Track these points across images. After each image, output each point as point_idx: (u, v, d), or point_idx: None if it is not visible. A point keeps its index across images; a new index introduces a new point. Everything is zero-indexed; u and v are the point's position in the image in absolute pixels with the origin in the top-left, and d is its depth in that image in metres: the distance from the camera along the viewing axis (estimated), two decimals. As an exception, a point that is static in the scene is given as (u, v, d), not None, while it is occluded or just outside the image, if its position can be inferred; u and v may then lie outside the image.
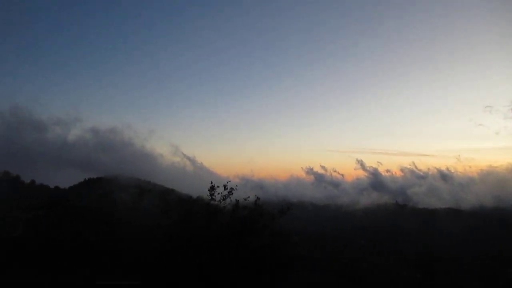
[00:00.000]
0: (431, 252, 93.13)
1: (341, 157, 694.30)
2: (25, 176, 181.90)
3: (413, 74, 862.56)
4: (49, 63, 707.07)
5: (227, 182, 19.94)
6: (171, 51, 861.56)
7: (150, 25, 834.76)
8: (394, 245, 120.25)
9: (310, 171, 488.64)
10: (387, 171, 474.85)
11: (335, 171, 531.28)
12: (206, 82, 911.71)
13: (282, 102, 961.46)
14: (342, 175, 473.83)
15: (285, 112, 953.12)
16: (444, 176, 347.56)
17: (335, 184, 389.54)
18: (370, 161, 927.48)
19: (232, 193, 19.85)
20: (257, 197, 19.86)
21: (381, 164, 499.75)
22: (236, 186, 20.11)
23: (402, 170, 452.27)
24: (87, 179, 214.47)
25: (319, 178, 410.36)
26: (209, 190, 19.75)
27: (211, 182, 19.99)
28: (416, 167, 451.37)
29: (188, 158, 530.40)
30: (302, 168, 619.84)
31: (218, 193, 19.81)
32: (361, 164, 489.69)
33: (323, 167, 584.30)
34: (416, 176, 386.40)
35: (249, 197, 20.56)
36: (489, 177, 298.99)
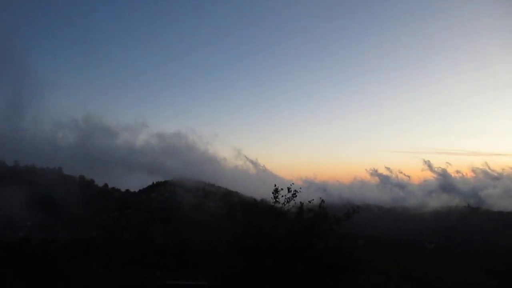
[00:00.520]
0: (508, 258, 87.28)
1: (407, 158, 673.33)
2: (99, 180, 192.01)
3: (484, 67, 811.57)
4: (117, 72, 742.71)
5: (291, 185, 19.91)
6: (233, 55, 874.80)
7: (213, 30, 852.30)
8: (466, 250, 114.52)
9: (374, 172, 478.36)
10: (457, 172, 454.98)
11: (400, 172, 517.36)
12: (267, 85, 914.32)
13: (344, 102, 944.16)
14: (408, 176, 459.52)
15: (348, 112, 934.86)
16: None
17: (401, 186, 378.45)
18: (438, 162, 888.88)
19: (296, 196, 19.76)
20: (322, 200, 19.68)
21: (450, 164, 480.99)
22: (300, 188, 20.03)
23: (473, 170, 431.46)
24: (155, 182, 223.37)
25: (384, 180, 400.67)
26: (273, 193, 19.77)
27: (275, 185, 20.03)
28: (489, 167, 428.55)
29: (251, 161, 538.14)
30: (366, 169, 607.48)
31: (282, 196, 19.81)
32: (429, 165, 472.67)
33: (388, 168, 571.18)
34: (490, 177, 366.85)
35: (313, 199, 20.42)
36: None
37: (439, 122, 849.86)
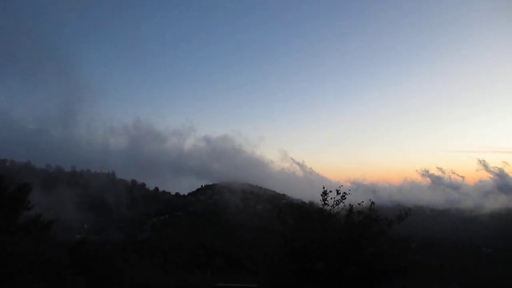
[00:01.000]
0: None
1: (459, 158, 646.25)
2: (150, 184, 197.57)
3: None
4: (164, 77, 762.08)
5: (340, 187, 19.72)
6: (277, 58, 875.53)
7: (259, 32, 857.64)
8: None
9: (425, 173, 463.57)
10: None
11: (453, 173, 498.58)
12: (313, 86, 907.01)
13: (389, 101, 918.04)
14: (462, 177, 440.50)
15: (393, 112, 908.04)
16: None
17: (455, 187, 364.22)
18: (494, 162, 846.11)
19: (345, 198, 19.55)
20: (372, 202, 19.34)
21: (507, 164, 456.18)
22: (349, 190, 19.81)
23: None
24: (203, 185, 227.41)
25: (437, 181, 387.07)
26: (321, 195, 19.67)
27: (323, 187, 19.93)
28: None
29: (298, 164, 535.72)
30: (416, 170, 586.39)
31: (331, 198, 19.66)
32: (484, 165, 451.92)
33: (440, 168, 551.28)
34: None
35: (362, 202, 20.13)
36: None
37: (492, 120, 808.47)
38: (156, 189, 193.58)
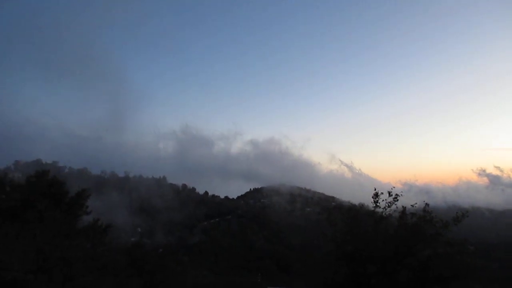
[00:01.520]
0: None
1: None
2: (200, 188, 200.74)
3: None
4: (209, 82, 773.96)
5: (392, 189, 19.29)
6: (323, 58, 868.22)
7: (306, 34, 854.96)
8: None
9: (482, 173, 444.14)
10: None
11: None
12: (359, 85, 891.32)
13: (444, 97, 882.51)
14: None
15: (446, 108, 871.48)
16: None
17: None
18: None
19: (397, 200, 19.10)
20: (426, 203, 18.75)
21: None
22: (401, 192, 19.32)
23: None
24: (252, 189, 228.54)
25: (495, 181, 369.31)
26: (373, 197, 19.30)
27: (375, 189, 19.55)
28: None
29: (346, 165, 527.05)
30: (472, 170, 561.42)
31: (383, 200, 19.26)
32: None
33: (497, 167, 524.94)
34: None
35: (416, 203, 19.59)
36: None
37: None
38: (206, 193, 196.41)
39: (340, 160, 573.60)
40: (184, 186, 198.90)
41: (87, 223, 22.60)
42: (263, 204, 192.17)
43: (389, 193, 19.07)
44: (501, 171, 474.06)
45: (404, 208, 18.91)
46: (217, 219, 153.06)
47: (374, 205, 19.23)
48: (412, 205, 19.34)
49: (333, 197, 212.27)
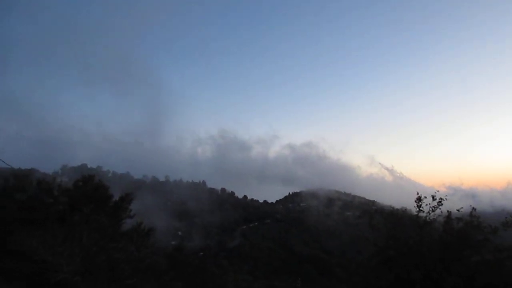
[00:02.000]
0: None
1: None
2: (238, 192, 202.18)
3: None
4: (244, 88, 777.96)
5: (435, 192, 18.77)
6: (359, 59, 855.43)
7: (339, 37, 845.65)
8: None
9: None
10: None
11: None
12: (398, 85, 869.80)
13: (491, 94, 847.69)
14: None
15: (494, 107, 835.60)
16: None
17: None
18: None
19: (442, 204, 18.58)
20: (473, 208, 18.11)
21: None
22: (446, 196, 18.77)
23: None
24: (290, 193, 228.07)
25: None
26: (415, 201, 18.86)
27: (417, 193, 19.10)
28: None
29: (386, 169, 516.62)
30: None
31: (426, 204, 18.78)
32: None
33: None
34: None
35: (461, 207, 18.96)
36: None
37: None
38: (245, 197, 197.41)
39: (380, 164, 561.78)
40: (223, 190, 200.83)
41: (131, 226, 23.19)
42: (302, 208, 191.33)
43: (433, 197, 18.57)
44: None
45: (449, 212, 18.35)
46: (256, 223, 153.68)
47: (418, 209, 18.77)
48: (457, 210, 18.74)
49: (373, 201, 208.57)
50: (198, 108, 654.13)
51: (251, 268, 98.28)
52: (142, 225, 23.32)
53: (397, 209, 21.64)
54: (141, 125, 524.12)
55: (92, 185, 23.65)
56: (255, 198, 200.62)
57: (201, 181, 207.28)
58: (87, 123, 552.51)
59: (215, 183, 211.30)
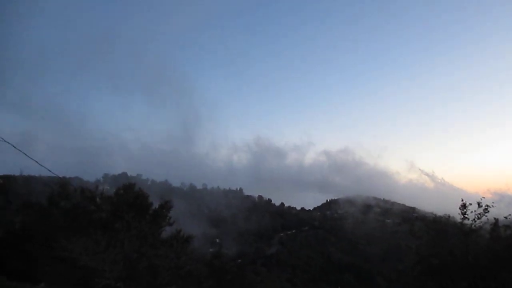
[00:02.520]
0: None
1: None
2: (275, 199, 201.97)
3: None
4: (278, 95, 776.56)
5: (481, 199, 18.13)
6: (394, 62, 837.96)
7: (364, 39, 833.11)
8: None
9: None
10: None
11: None
12: (437, 87, 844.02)
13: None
14: None
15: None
16: None
17: None
18: None
19: (488, 211, 17.92)
20: None
21: None
22: (493, 203, 18.09)
23: None
24: (328, 200, 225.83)
25: None
26: (460, 208, 18.27)
27: (462, 200, 18.52)
28: None
29: (427, 174, 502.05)
30: None
31: (471, 212, 18.16)
32: None
33: None
34: None
35: (509, 214, 18.24)
36: None
37: None
38: (282, 204, 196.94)
39: (420, 169, 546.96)
40: (260, 197, 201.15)
41: (170, 234, 23.56)
42: (340, 215, 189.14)
43: (479, 204, 17.94)
44: None
45: (496, 220, 17.72)
46: (293, 231, 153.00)
47: (462, 217, 18.18)
48: (505, 217, 18.07)
49: (413, 208, 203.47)
50: (232, 115, 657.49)
51: (289, 275, 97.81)
52: (181, 232, 23.65)
53: (440, 216, 21.03)
54: (176, 133, 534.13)
55: (133, 193, 24.24)
56: (292, 205, 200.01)
57: (238, 189, 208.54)
58: (124, 131, 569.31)
59: (252, 191, 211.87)
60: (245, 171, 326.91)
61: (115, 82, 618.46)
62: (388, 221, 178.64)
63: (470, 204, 18.14)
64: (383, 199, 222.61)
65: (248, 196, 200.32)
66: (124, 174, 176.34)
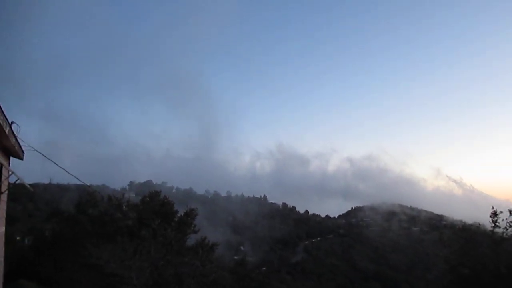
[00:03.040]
0: None
1: None
2: (300, 207, 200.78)
3: None
4: (300, 102, 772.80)
5: (513, 206, 17.66)
6: (418, 65, 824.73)
7: (378, 41, 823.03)
8: None
9: None
10: None
11: None
12: (461, 90, 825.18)
13: None
14: None
15: None
16: None
17: None
18: None
19: (522, 219, 17.44)
20: None
21: None
22: None
23: None
24: (353, 207, 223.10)
25: None
26: (491, 216, 17.82)
27: (492, 207, 18.05)
28: None
29: (455, 181, 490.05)
30: None
31: (502, 220, 17.68)
32: None
33: None
34: None
35: None
36: None
37: None
38: (306, 211, 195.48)
39: (447, 176, 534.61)
40: (285, 205, 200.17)
41: (195, 241, 23.68)
42: (365, 223, 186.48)
43: (510, 212, 17.49)
44: None
45: (529, 227, 17.22)
46: (318, 238, 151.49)
47: (493, 224, 17.73)
48: None
49: (441, 216, 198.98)
50: (253, 122, 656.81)
51: (314, 283, 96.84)
52: (206, 240, 23.74)
53: (470, 224, 20.56)
54: (198, 140, 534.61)
55: (158, 201, 24.53)
56: (316, 213, 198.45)
57: (262, 196, 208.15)
58: (146, 138, 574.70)
59: (276, 198, 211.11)
60: (268, 178, 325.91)
61: (135, 88, 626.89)
62: (415, 228, 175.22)
63: (501, 211, 17.71)
64: (410, 206, 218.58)
65: (272, 203, 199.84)
66: (149, 182, 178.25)
